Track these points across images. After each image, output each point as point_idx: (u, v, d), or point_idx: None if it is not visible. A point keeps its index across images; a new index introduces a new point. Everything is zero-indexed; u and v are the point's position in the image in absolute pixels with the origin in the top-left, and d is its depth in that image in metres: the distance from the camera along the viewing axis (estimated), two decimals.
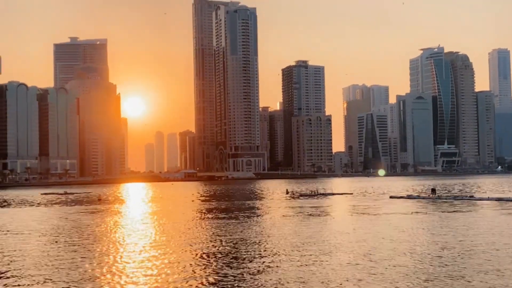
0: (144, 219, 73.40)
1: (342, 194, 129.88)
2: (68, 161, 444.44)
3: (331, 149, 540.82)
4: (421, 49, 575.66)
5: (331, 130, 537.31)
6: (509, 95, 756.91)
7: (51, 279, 30.94)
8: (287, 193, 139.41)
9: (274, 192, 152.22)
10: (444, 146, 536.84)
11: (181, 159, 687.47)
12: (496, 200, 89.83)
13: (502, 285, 27.29)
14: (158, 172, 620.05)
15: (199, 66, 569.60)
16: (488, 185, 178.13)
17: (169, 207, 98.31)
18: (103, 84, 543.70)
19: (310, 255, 37.22)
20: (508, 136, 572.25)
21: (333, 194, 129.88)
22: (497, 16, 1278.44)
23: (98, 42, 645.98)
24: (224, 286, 28.67)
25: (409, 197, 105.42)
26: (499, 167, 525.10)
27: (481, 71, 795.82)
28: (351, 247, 40.59)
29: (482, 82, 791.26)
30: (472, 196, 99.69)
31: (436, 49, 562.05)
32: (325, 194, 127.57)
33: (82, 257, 38.43)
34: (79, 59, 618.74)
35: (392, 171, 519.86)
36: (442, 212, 70.75)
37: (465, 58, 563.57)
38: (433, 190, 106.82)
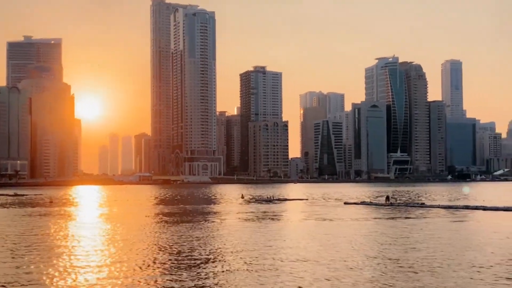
0: (95, 223, 72.09)
1: (297, 199, 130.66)
2: (18, 162, 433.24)
3: (287, 155, 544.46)
4: (377, 59, 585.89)
5: (287, 136, 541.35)
6: (460, 105, 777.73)
7: None
8: (242, 197, 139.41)
9: (230, 197, 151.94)
10: (397, 154, 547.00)
11: (136, 162, 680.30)
12: (445, 208, 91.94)
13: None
14: (112, 175, 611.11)
15: (156, 68, 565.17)
16: (439, 193, 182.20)
17: (121, 211, 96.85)
18: (57, 84, 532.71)
19: (257, 258, 37.20)
20: (459, 146, 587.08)
21: (288, 199, 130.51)
22: (450, 28, 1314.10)
23: (52, 42, 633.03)
24: None
25: (363, 203, 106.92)
26: (450, 175, 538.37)
27: (434, 81, 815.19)
28: (295, 250, 40.79)
29: (434, 92, 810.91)
30: (423, 204, 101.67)
31: (391, 59, 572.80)
32: (280, 200, 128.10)
33: (26, 261, 37.40)
34: (33, 58, 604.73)
35: (346, 178, 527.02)
36: (393, 218, 71.98)
37: (418, 68, 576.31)
38: (387, 198, 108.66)
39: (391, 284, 29.42)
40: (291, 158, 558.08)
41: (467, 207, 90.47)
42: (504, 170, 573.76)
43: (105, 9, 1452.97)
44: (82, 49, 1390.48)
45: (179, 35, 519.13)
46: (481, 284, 29.47)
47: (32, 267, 35.07)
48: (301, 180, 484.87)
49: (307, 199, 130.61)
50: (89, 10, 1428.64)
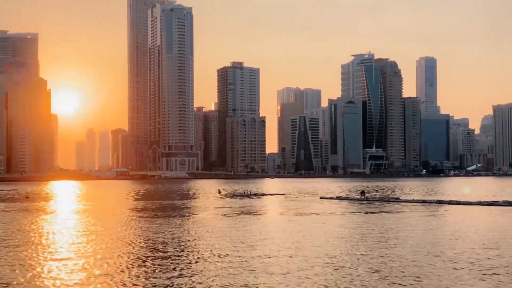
0: (70, 218, 71.97)
1: (274, 194, 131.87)
2: None
3: (265, 150, 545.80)
4: (353, 55, 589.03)
5: (264, 131, 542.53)
6: (435, 102, 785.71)
7: None
8: (220, 193, 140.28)
9: (207, 192, 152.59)
10: (372, 149, 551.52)
11: (113, 158, 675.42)
12: (420, 202, 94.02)
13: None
14: (89, 170, 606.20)
15: (133, 63, 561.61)
16: (413, 187, 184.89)
17: (97, 206, 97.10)
18: (33, 79, 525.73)
19: (233, 255, 38.23)
20: (433, 141, 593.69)
21: (266, 194, 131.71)
22: (425, 25, 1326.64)
23: (28, 36, 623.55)
24: None
25: (339, 198, 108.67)
26: (424, 170, 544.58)
27: (409, 78, 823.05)
28: (271, 245, 42.16)
29: (409, 88, 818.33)
30: (398, 198, 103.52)
31: (366, 56, 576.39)
32: (257, 195, 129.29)
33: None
34: (9, 53, 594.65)
35: (322, 173, 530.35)
36: (368, 213, 73.78)
37: (394, 65, 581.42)
38: (363, 192, 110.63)
39: (364, 278, 30.45)
40: (268, 154, 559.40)
41: (440, 202, 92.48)
42: (477, 165, 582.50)
43: (82, 4, 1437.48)
44: (59, 44, 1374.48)
45: (156, 31, 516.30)
46: (448, 276, 30.59)
47: (1, 263, 35.09)
48: (278, 175, 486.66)
49: (284, 194, 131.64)
50: (66, 5, 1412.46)
